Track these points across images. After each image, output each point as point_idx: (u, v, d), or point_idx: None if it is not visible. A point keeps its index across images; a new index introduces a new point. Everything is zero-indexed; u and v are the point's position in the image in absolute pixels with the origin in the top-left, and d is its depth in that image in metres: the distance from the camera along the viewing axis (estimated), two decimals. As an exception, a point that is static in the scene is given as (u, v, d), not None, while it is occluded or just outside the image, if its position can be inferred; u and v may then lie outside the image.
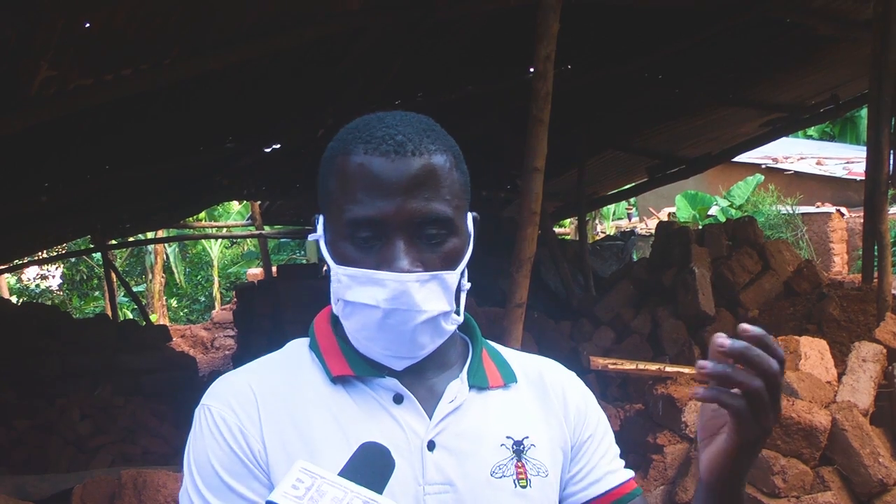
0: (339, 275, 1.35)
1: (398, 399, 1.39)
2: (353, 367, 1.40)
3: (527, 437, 1.45)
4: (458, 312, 1.40)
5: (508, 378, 1.50)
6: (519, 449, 1.43)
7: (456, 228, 1.36)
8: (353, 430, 1.33)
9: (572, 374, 1.60)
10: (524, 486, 1.40)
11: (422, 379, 1.43)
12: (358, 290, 1.33)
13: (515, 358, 1.57)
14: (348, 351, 1.42)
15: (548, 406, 1.51)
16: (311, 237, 1.42)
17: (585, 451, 1.52)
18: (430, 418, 1.40)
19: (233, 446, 1.35)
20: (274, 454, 1.33)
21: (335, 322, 1.47)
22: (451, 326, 1.38)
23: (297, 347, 1.51)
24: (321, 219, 1.41)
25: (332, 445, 1.29)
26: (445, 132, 1.41)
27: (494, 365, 1.51)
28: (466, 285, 1.43)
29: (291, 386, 1.41)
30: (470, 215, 1.42)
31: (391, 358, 1.37)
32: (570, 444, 1.51)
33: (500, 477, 1.40)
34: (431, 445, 1.38)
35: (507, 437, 1.43)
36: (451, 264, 1.35)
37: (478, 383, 1.46)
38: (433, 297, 1.32)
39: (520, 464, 1.42)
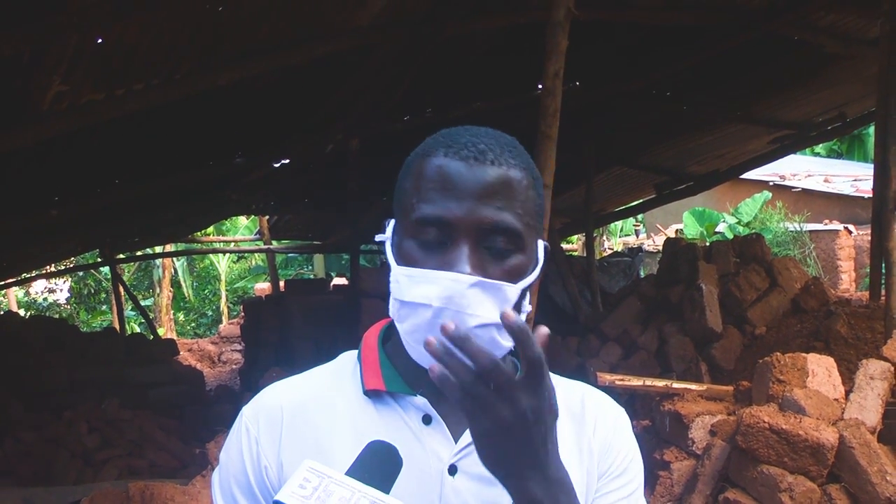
0: (398, 275, 1.33)
1: (427, 420, 1.38)
2: (386, 383, 1.40)
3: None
4: None
5: None
6: None
7: (524, 245, 1.33)
8: None
9: (613, 405, 1.54)
10: None
11: None
12: (413, 289, 1.31)
13: (559, 385, 1.47)
14: (387, 365, 1.42)
15: (582, 438, 1.47)
16: (378, 237, 1.40)
17: (602, 485, 1.46)
18: (457, 443, 1.37)
19: (245, 457, 1.39)
20: (292, 468, 1.28)
21: (385, 336, 1.47)
22: (507, 343, 1.32)
23: (347, 358, 1.51)
24: (391, 223, 1.40)
25: (349, 464, 1.23)
26: (528, 154, 1.39)
27: None
28: (528, 308, 1.41)
29: (323, 402, 1.42)
30: (541, 243, 1.39)
31: None
32: (595, 477, 1.46)
33: None
34: (453, 470, 1.36)
35: None
36: (513, 280, 1.32)
37: None
38: (489, 304, 1.28)
39: None
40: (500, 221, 1.30)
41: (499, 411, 1.18)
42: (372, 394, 1.41)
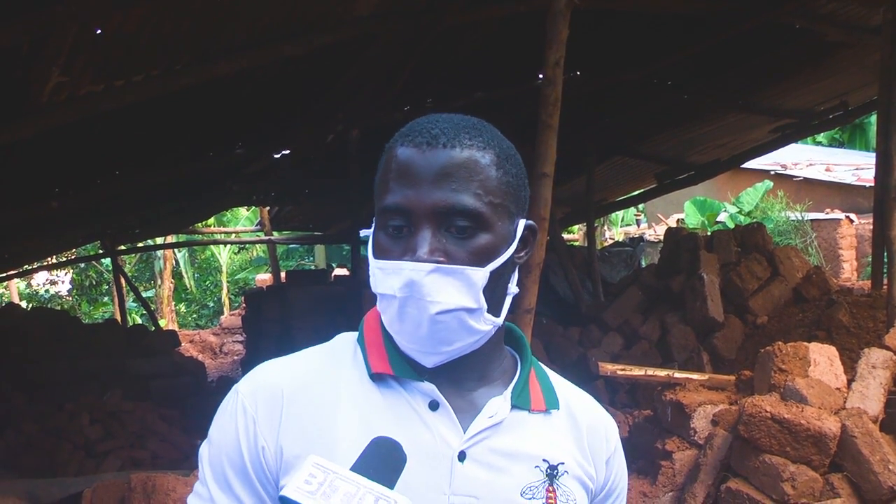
0: (373, 268, 1.36)
1: (434, 405, 1.38)
2: (393, 367, 1.40)
3: (562, 464, 1.42)
4: (496, 314, 1.38)
5: (551, 404, 1.48)
6: (553, 473, 1.41)
7: (488, 225, 1.33)
8: (381, 433, 1.29)
9: (612, 419, 1.58)
10: (530, 498, 1.38)
11: (461, 389, 1.41)
12: (382, 280, 1.34)
13: (561, 386, 1.55)
14: (392, 349, 1.42)
15: (583, 443, 1.49)
16: (363, 233, 1.42)
17: (603, 500, 1.52)
18: (466, 430, 1.38)
19: (240, 437, 1.37)
20: (293, 452, 1.33)
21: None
22: (483, 326, 1.36)
23: (345, 340, 1.50)
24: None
25: (355, 448, 1.25)
26: (497, 133, 1.40)
27: (540, 388, 1.50)
28: (514, 290, 1.43)
29: (326, 383, 1.41)
30: (522, 222, 1.41)
31: (418, 353, 1.36)
32: (597, 488, 1.50)
33: (530, 498, 1.38)
34: (462, 456, 1.37)
35: (543, 461, 1.41)
36: (480, 262, 1.33)
37: (520, 404, 1.44)
38: (451, 289, 1.30)
39: (551, 488, 1.40)
40: (457, 203, 1.31)
41: None
42: (377, 378, 1.40)
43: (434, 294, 1.30)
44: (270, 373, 1.44)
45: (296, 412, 1.37)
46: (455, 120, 1.37)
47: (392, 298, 1.32)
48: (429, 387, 1.38)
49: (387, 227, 1.34)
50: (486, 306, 1.34)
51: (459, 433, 1.38)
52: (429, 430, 1.37)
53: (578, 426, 1.50)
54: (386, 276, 1.33)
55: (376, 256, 1.35)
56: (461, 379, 1.41)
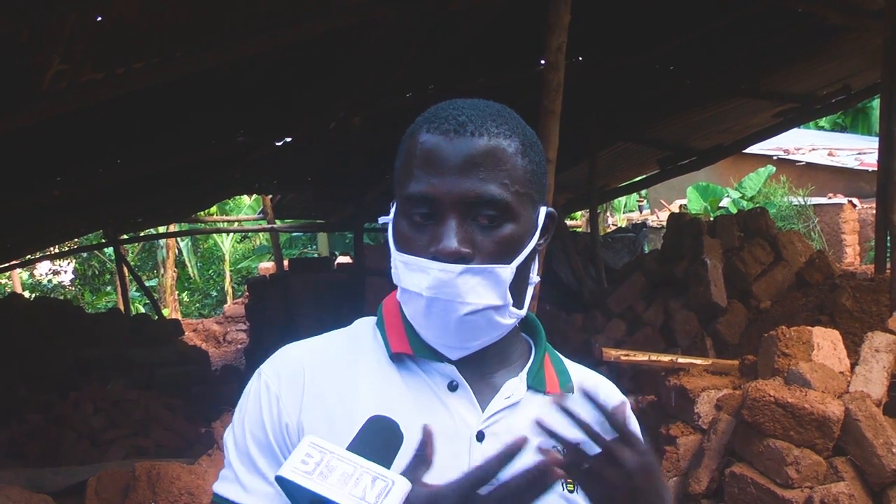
0: (396, 261, 1.36)
1: (452, 387, 1.39)
2: (413, 347, 1.41)
3: (578, 444, 1.39)
4: (519, 306, 1.38)
5: (566, 388, 1.49)
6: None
7: (514, 215, 1.33)
8: (400, 414, 1.28)
9: (621, 396, 1.58)
10: (571, 491, 1.38)
11: (481, 371, 1.42)
12: (407, 276, 1.33)
13: (575, 370, 1.56)
14: (411, 331, 1.42)
15: (598, 425, 1.46)
16: (381, 220, 1.42)
17: None
18: (484, 410, 1.39)
19: (264, 414, 1.38)
20: (315, 428, 1.33)
21: None
22: (507, 320, 1.36)
23: (365, 324, 1.52)
24: (395, 204, 1.41)
25: None
26: (520, 120, 1.39)
27: (554, 371, 1.51)
28: (535, 279, 1.42)
29: (346, 361, 1.42)
30: (543, 209, 1.40)
31: (444, 347, 1.37)
32: None
33: None
34: (481, 436, 1.37)
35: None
36: (506, 253, 1.32)
37: (536, 385, 1.45)
38: (480, 289, 1.30)
39: None
40: (485, 193, 1.30)
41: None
42: (396, 358, 1.42)
43: (464, 295, 1.30)
44: (292, 353, 1.46)
45: (317, 391, 1.38)
46: (480, 106, 1.36)
47: (418, 296, 1.32)
48: (448, 368, 1.39)
49: (411, 215, 1.34)
50: (511, 301, 1.35)
51: (478, 413, 1.38)
52: (447, 410, 1.37)
53: (593, 406, 1.47)
54: (411, 272, 1.32)
55: (399, 248, 1.35)
56: (482, 363, 1.42)
